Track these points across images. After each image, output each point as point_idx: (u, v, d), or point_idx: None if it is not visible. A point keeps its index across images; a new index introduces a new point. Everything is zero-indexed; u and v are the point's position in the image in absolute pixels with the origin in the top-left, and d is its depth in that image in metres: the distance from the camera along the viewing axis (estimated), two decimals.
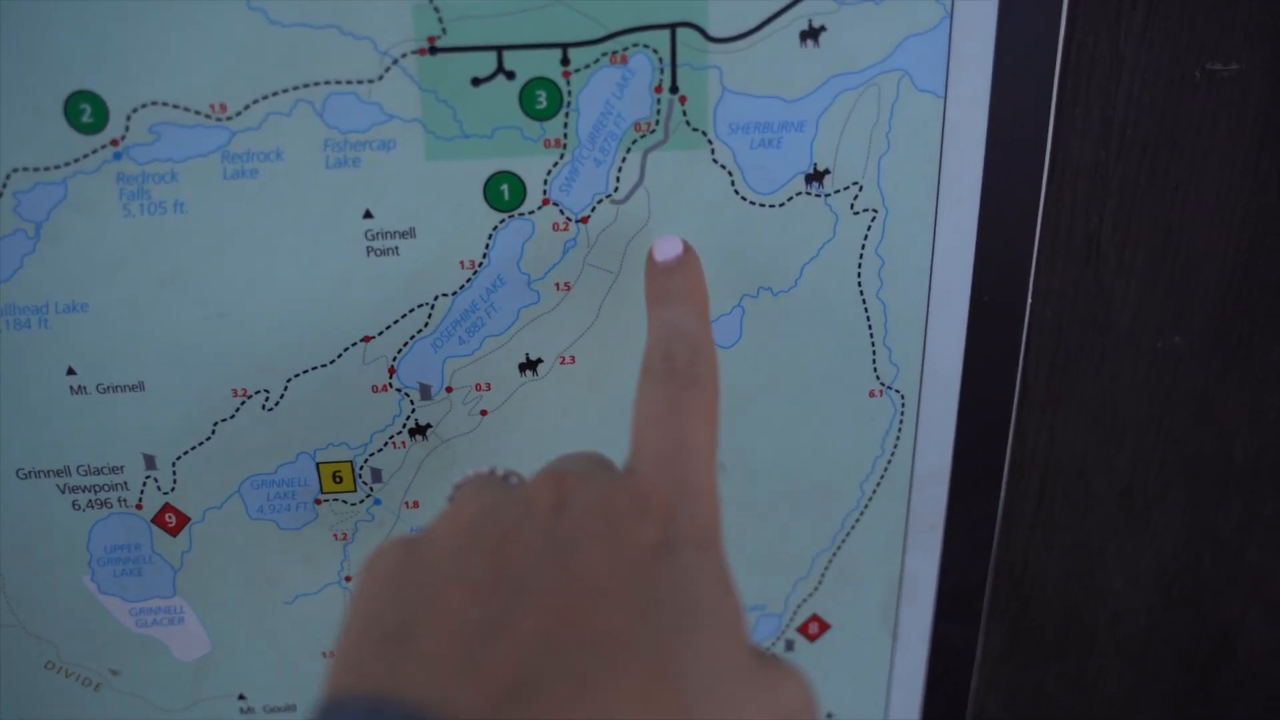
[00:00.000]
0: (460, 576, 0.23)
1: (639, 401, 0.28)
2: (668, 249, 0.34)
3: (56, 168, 0.34)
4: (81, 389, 0.37)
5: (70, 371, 0.37)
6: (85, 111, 0.33)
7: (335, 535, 0.40)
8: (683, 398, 0.27)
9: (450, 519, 0.25)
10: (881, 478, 0.40)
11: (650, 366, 0.28)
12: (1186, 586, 0.47)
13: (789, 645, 0.43)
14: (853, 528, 0.41)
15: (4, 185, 0.34)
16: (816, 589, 0.42)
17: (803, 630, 0.43)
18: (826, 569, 0.42)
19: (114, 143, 0.34)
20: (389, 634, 0.22)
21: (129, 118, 0.33)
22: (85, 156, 0.34)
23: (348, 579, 0.41)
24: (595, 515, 0.24)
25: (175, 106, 0.33)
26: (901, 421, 0.39)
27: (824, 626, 0.43)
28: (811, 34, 0.34)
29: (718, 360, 0.30)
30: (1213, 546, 0.46)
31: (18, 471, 0.38)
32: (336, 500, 0.39)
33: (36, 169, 0.34)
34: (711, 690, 0.21)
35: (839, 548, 0.41)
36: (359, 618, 0.23)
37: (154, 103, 0.33)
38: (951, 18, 0.34)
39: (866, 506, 0.41)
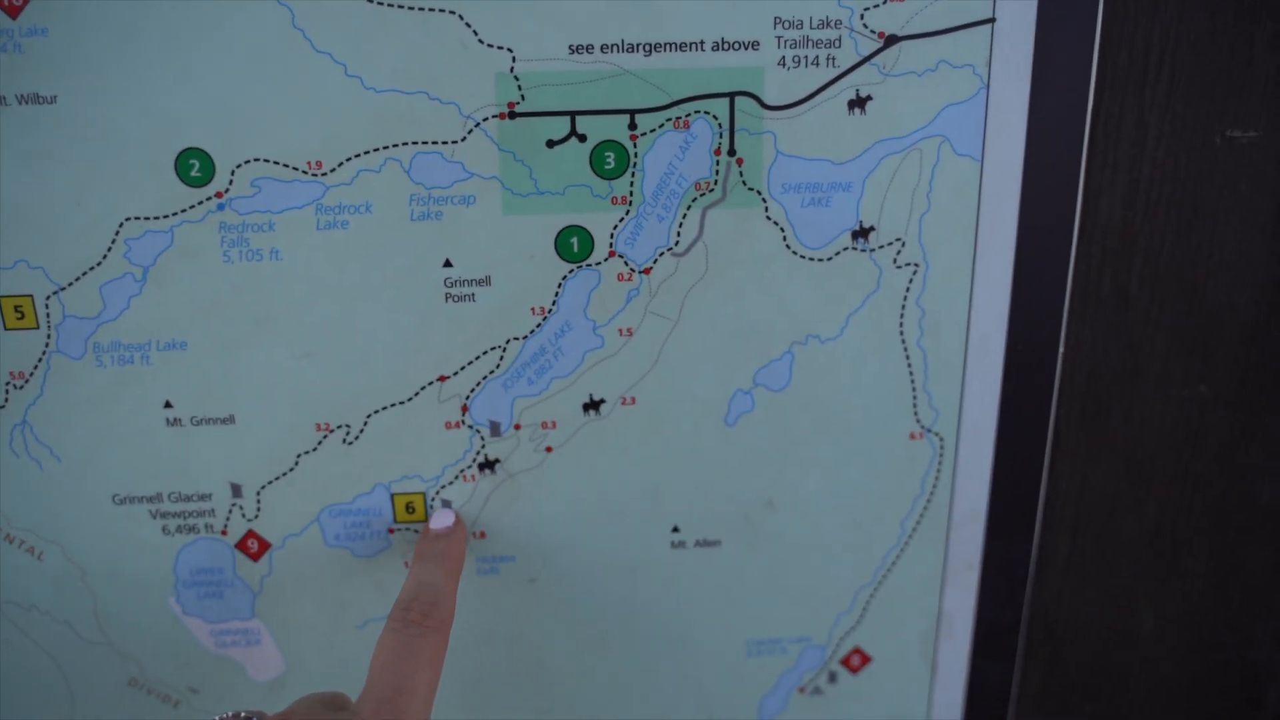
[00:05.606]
0: None
1: (377, 646, 0.33)
2: (441, 521, 0.40)
3: (165, 217, 0.37)
4: (177, 421, 0.40)
5: (167, 405, 0.40)
6: (194, 166, 0.37)
7: (405, 563, 0.42)
8: (411, 646, 0.33)
9: None
10: (921, 517, 0.42)
11: (392, 615, 0.34)
12: (1216, 629, 0.48)
13: (832, 677, 0.45)
14: (894, 564, 0.43)
15: (117, 233, 0.37)
16: (859, 623, 0.44)
17: (845, 662, 0.45)
18: (868, 603, 0.44)
19: (218, 195, 0.37)
20: None
21: (233, 173, 0.37)
22: (192, 207, 0.37)
23: None
24: None
25: (276, 163, 0.37)
26: (940, 463, 0.42)
27: (866, 659, 0.45)
28: (859, 102, 0.37)
29: (453, 616, 0.35)
30: (1241, 589, 0.47)
31: (114, 497, 0.41)
32: (408, 529, 0.42)
33: (147, 218, 0.37)
34: None
35: (880, 583, 0.44)
36: None
37: (256, 159, 0.37)
38: (988, 89, 0.37)
39: (907, 544, 0.43)
